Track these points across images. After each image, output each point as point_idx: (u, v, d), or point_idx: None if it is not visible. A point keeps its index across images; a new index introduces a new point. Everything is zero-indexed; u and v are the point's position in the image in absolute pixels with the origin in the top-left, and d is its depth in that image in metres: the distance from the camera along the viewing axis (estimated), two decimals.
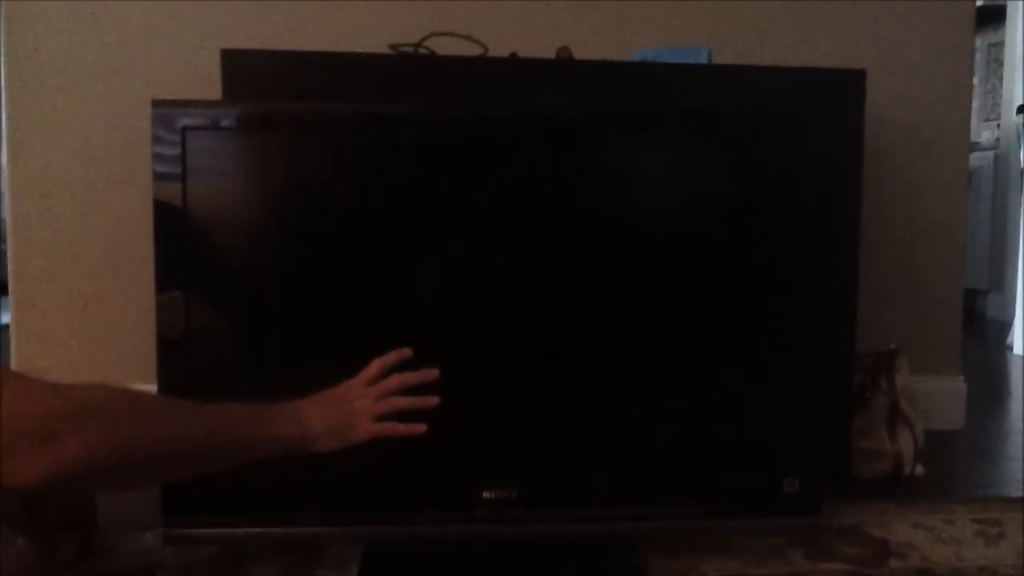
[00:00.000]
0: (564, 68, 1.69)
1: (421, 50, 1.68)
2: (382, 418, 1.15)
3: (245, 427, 1.07)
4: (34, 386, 0.88)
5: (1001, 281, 4.39)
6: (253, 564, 1.31)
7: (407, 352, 1.19)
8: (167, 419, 1.00)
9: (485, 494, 1.24)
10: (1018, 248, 3.87)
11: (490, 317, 1.28)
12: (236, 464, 1.05)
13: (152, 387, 1.20)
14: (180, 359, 1.20)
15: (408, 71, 1.60)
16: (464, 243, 1.27)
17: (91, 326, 1.91)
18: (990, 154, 4.46)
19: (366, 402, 1.15)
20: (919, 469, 1.80)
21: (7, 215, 1.90)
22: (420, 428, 1.16)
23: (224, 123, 1.21)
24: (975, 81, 2.93)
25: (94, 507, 1.35)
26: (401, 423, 1.16)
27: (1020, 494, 1.74)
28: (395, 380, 1.17)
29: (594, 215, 1.27)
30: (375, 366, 1.18)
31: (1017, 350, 3.60)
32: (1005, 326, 3.92)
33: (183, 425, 1.01)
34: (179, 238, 1.20)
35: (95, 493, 1.28)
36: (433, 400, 1.18)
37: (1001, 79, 4.63)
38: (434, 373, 1.18)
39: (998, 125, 4.56)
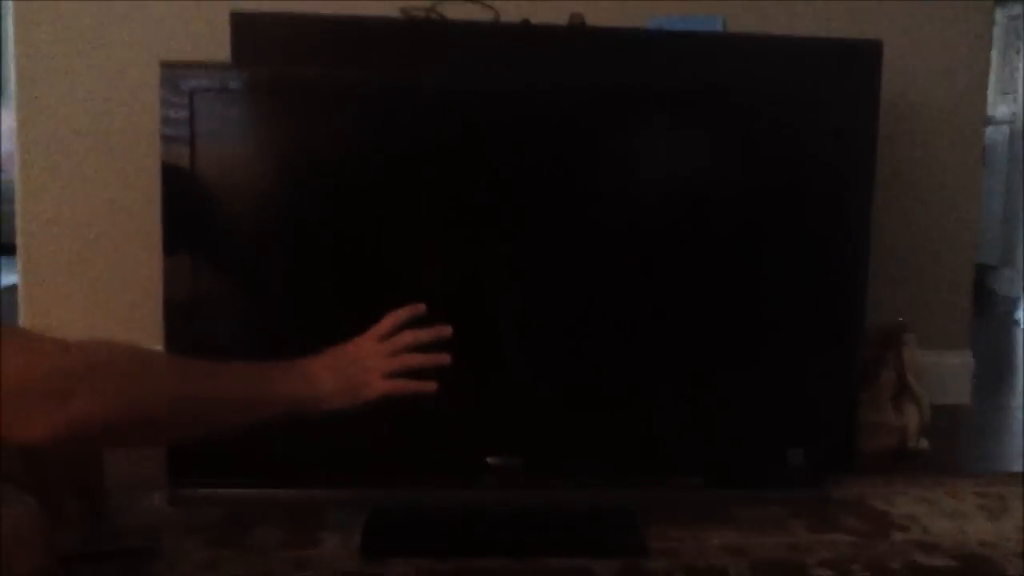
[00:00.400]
0: (576, 35, 1.67)
1: (432, 14, 1.66)
2: (393, 375, 1.14)
3: (255, 386, 1.06)
4: (44, 343, 0.88)
5: (1011, 257, 4.36)
6: (258, 526, 1.32)
7: (421, 307, 1.16)
8: (177, 377, 1.00)
9: (490, 461, 1.25)
10: None
11: (499, 285, 1.28)
12: (246, 422, 1.05)
13: (159, 348, 1.20)
14: (187, 322, 1.20)
15: (418, 36, 1.59)
16: (475, 212, 1.26)
17: (98, 288, 1.92)
18: (1005, 128, 4.41)
19: (378, 359, 1.13)
20: (924, 443, 1.80)
21: (16, 176, 1.90)
22: (431, 386, 1.14)
23: (233, 86, 1.20)
24: (993, 54, 2.89)
25: (101, 468, 1.36)
26: (412, 381, 1.14)
27: None
28: (408, 336, 1.14)
29: (603, 188, 1.26)
30: (388, 321, 1.15)
31: None
32: (1015, 302, 3.90)
33: (193, 383, 1.00)
34: (186, 202, 1.20)
35: (103, 449, 1.29)
36: (445, 358, 1.14)
37: (1019, 53, 4.57)
38: (447, 331, 1.15)
39: (1014, 99, 4.50)
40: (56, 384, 0.85)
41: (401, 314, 1.15)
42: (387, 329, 1.15)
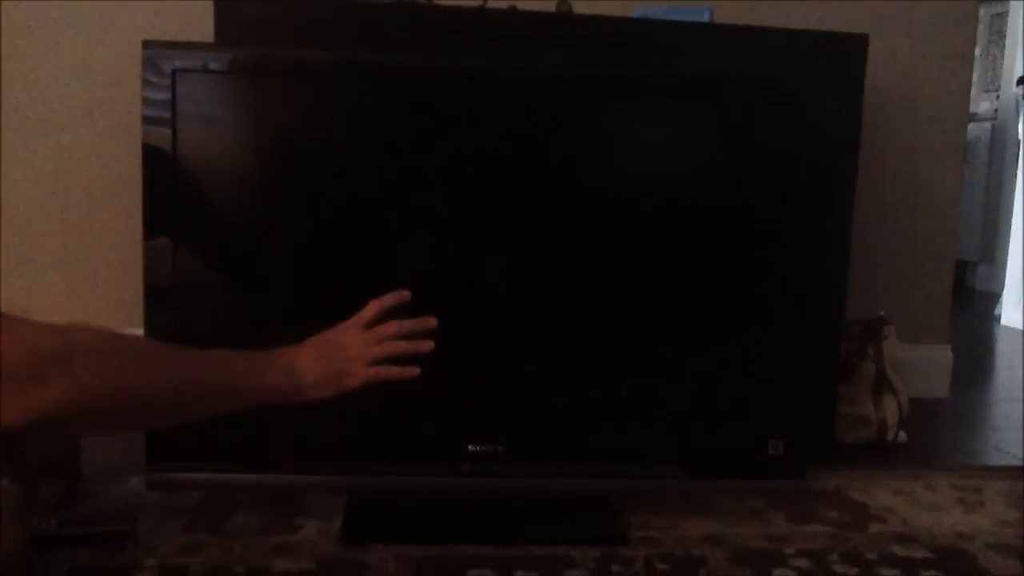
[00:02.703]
0: (563, 21, 1.67)
1: None
2: (376, 363, 1.13)
3: (237, 375, 1.05)
4: (21, 326, 0.86)
5: (992, 253, 4.41)
6: (236, 512, 1.31)
7: (406, 294, 1.15)
8: (157, 364, 0.98)
9: (471, 448, 1.25)
10: (1010, 221, 3.88)
11: (481, 272, 1.27)
12: (226, 411, 1.04)
13: (139, 332, 1.19)
14: (167, 307, 1.19)
15: (405, 20, 1.58)
16: (456, 199, 1.26)
17: (78, 273, 1.90)
18: (987, 125, 4.45)
19: (361, 348, 1.12)
20: (902, 436, 1.82)
21: None
22: (414, 371, 1.13)
23: (215, 67, 1.19)
24: (976, 51, 2.90)
25: (78, 453, 1.35)
26: (395, 367, 1.14)
27: (1000, 463, 1.76)
28: (392, 327, 1.14)
29: (586, 177, 1.26)
30: (372, 308, 1.14)
31: (1005, 321, 3.62)
32: (994, 298, 3.94)
33: (173, 370, 0.99)
34: (168, 184, 1.18)
35: (81, 435, 1.28)
36: (429, 344, 1.14)
37: (1003, 50, 4.60)
38: (432, 321, 1.16)
39: (997, 96, 4.54)
40: (34, 368, 0.83)
41: (385, 301, 1.15)
42: (371, 316, 1.14)
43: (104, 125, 1.86)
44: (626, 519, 1.33)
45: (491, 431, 1.26)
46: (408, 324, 1.14)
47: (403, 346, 1.13)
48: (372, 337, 1.13)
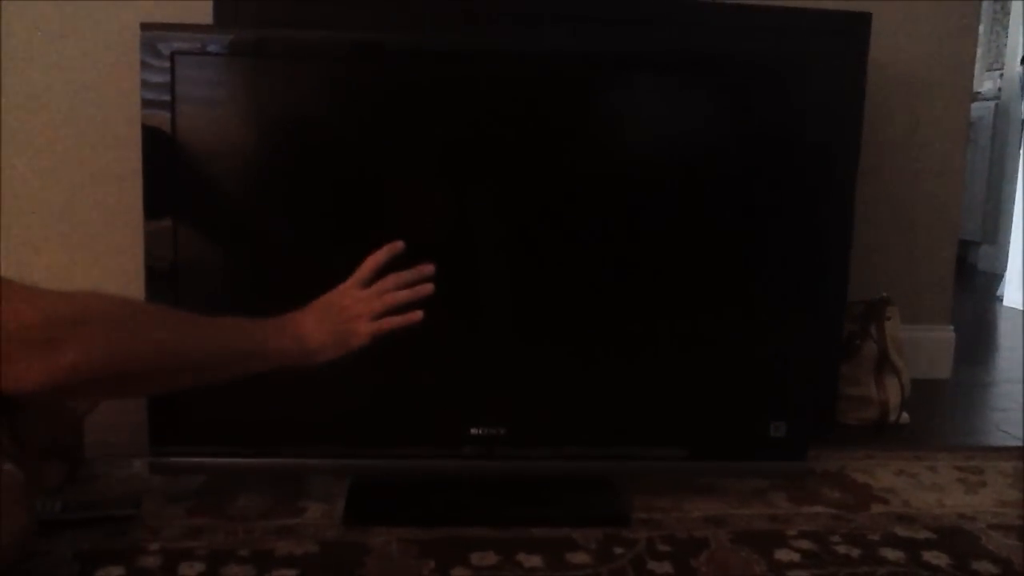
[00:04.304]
0: None
1: None
2: (378, 317, 1.15)
3: (245, 340, 1.07)
4: (33, 293, 0.87)
5: (994, 233, 4.39)
6: (240, 495, 1.31)
7: (399, 245, 1.16)
8: (166, 327, 1.00)
9: (473, 431, 1.25)
10: (1013, 201, 3.86)
11: (481, 251, 1.27)
12: (235, 376, 1.05)
13: None
14: (168, 288, 1.18)
15: None
16: (456, 177, 1.25)
17: (79, 254, 1.90)
18: (991, 104, 4.42)
19: (362, 305, 1.14)
20: (904, 417, 1.82)
21: None
22: (416, 316, 1.15)
23: (214, 48, 1.18)
24: (980, 30, 2.88)
25: (81, 435, 1.36)
26: (397, 316, 1.15)
27: (1002, 443, 1.76)
28: (390, 280, 1.16)
29: (586, 154, 1.25)
30: (368, 265, 1.16)
31: (1007, 302, 3.62)
32: (996, 278, 3.93)
33: (182, 334, 1.00)
34: (168, 166, 1.18)
35: (90, 399, 1.29)
36: (428, 288, 1.16)
37: (1007, 28, 4.57)
38: (429, 268, 1.17)
39: (1000, 75, 4.51)
40: (47, 332, 0.85)
41: (380, 255, 1.17)
42: (368, 274, 1.16)
43: (105, 105, 1.85)
44: (628, 501, 1.33)
45: (493, 414, 1.26)
46: (405, 274, 1.16)
47: (403, 295, 1.16)
48: (372, 293, 1.15)
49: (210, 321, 1.04)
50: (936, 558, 1.21)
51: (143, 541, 1.16)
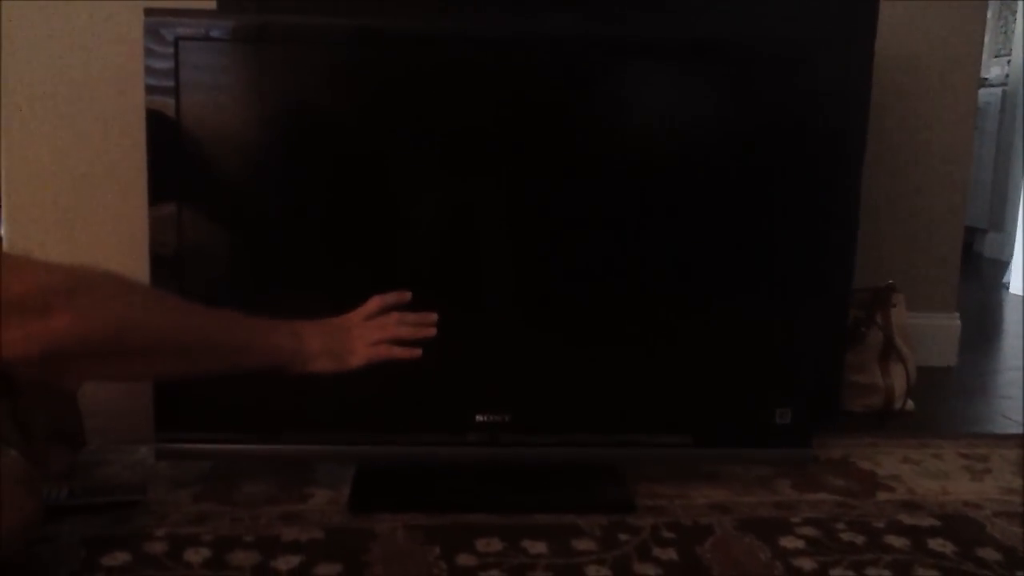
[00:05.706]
0: None
1: None
2: (379, 344, 1.16)
3: (242, 331, 1.07)
4: (28, 262, 0.88)
5: (1001, 221, 4.37)
6: (245, 481, 1.32)
7: (407, 295, 1.19)
8: (162, 308, 1.01)
9: (478, 417, 1.25)
10: (1020, 188, 3.84)
11: (486, 241, 1.27)
12: (230, 369, 1.05)
13: None
14: (172, 275, 1.18)
15: None
16: (461, 161, 1.25)
17: (84, 240, 1.90)
18: (998, 91, 4.39)
19: (365, 331, 1.16)
20: (910, 404, 1.81)
21: None
22: (416, 352, 1.16)
23: (218, 34, 1.18)
24: (988, 15, 2.85)
25: (80, 421, 1.36)
26: (398, 347, 1.16)
27: (1008, 431, 1.76)
28: (394, 317, 1.18)
29: (594, 141, 1.25)
30: (374, 303, 1.18)
31: (1013, 289, 3.61)
32: (1002, 265, 3.92)
33: (178, 317, 1.01)
34: (172, 153, 1.18)
35: (83, 379, 1.29)
36: (431, 331, 1.18)
37: (1015, 14, 4.54)
38: (433, 316, 1.19)
39: (1008, 61, 4.48)
40: (39, 299, 0.86)
41: (387, 298, 1.19)
42: (374, 311, 1.18)
43: (109, 92, 1.85)
44: (633, 488, 1.33)
45: (498, 401, 1.26)
46: (411, 316, 1.18)
47: (405, 331, 1.18)
48: (375, 324, 1.18)
49: (209, 310, 1.04)
50: (941, 545, 1.21)
51: (149, 527, 1.17)
